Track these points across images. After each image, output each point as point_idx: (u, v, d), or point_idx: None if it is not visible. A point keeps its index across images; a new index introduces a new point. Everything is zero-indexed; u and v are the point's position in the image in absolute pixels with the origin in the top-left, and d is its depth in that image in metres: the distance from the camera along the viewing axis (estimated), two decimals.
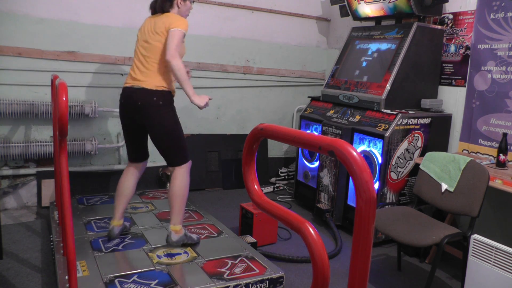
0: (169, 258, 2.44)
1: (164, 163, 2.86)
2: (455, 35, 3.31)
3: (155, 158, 3.97)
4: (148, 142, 2.70)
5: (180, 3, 2.63)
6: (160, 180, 4.03)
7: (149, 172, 3.86)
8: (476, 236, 2.15)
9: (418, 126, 3.08)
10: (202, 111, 4.25)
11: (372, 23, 3.82)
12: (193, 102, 2.51)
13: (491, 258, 2.06)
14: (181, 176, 2.57)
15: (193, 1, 2.75)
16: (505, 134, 2.71)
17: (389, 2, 3.41)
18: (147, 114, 2.47)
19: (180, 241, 2.58)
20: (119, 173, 3.80)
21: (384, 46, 3.42)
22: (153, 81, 2.47)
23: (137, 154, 2.71)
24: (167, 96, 2.51)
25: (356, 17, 3.87)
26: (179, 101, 4.07)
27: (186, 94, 2.48)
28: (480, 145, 3.10)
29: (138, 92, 2.47)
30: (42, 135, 3.52)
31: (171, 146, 2.54)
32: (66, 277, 2.03)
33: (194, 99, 2.51)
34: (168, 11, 2.60)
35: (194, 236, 2.69)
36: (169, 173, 3.92)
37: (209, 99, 2.61)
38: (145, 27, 2.61)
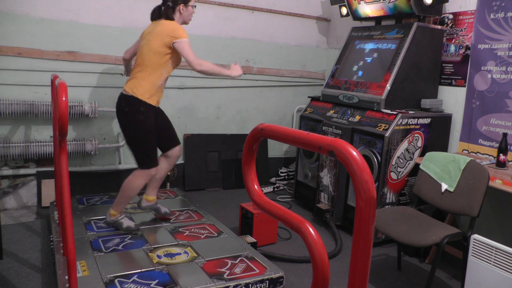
0: (169, 258, 2.44)
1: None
2: (455, 35, 3.31)
3: None
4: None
5: (182, 9, 2.73)
6: None
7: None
8: (476, 236, 2.15)
9: (418, 126, 3.08)
10: (202, 111, 4.26)
11: (372, 23, 3.82)
12: (233, 78, 2.86)
13: (491, 258, 2.06)
14: (140, 177, 2.75)
15: (195, 6, 2.82)
16: (505, 134, 2.71)
17: (389, 2, 3.41)
18: (119, 118, 2.73)
19: (110, 224, 2.84)
20: (119, 173, 3.82)
21: (384, 46, 3.42)
22: (129, 86, 2.67)
23: (160, 145, 2.93)
24: (137, 103, 2.63)
25: (356, 17, 3.87)
26: (179, 101, 4.11)
27: (226, 77, 2.82)
28: (480, 145, 3.10)
29: (120, 96, 2.71)
30: (42, 135, 3.52)
31: (135, 148, 2.74)
32: (66, 277, 2.03)
33: (233, 76, 2.81)
34: (172, 18, 2.71)
35: (125, 223, 2.82)
36: (169, 173, 3.92)
37: (235, 64, 2.88)
38: (145, 36, 2.75)
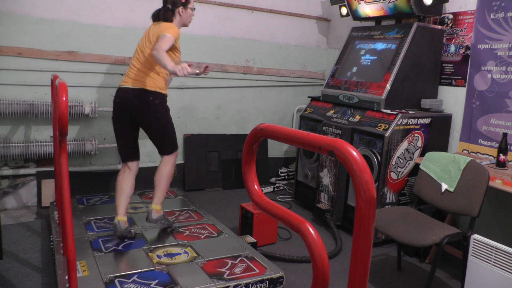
0: (169, 258, 2.44)
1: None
2: (455, 35, 3.31)
3: (155, 158, 3.98)
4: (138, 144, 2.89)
5: (182, 11, 2.76)
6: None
7: (149, 172, 3.85)
8: (476, 236, 2.15)
9: (418, 126, 3.08)
10: (202, 111, 4.26)
11: (372, 23, 3.82)
12: (173, 72, 2.50)
13: (491, 258, 2.06)
14: (171, 163, 2.84)
15: (194, 8, 2.87)
16: (505, 134, 2.71)
17: (389, 2, 3.41)
18: (143, 111, 2.69)
19: (158, 220, 2.85)
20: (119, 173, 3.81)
21: (384, 46, 3.42)
22: (148, 82, 2.68)
23: (129, 152, 2.84)
24: (161, 96, 2.73)
25: (356, 17, 3.87)
26: (179, 101, 4.11)
27: (170, 71, 2.50)
28: (480, 145, 3.10)
29: (133, 92, 2.68)
30: (42, 135, 3.52)
31: (164, 138, 2.82)
32: (66, 277, 2.03)
33: (175, 70, 2.46)
34: (171, 20, 2.76)
35: (170, 219, 2.96)
36: None
37: (189, 64, 2.57)
38: (144, 35, 2.78)
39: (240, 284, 2.20)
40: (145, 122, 2.74)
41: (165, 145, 2.83)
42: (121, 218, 2.71)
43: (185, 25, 2.86)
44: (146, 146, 3.98)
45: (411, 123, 3.04)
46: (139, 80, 2.68)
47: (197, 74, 2.99)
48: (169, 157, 2.84)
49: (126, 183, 2.78)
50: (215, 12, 4.15)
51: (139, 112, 2.69)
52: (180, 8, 2.75)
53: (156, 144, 2.85)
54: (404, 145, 3.04)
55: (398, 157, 3.04)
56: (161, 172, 2.83)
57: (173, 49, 2.68)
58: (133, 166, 2.82)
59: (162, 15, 2.76)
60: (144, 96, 2.67)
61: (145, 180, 3.88)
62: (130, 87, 2.68)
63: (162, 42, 2.54)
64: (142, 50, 2.72)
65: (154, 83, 2.69)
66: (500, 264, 2.03)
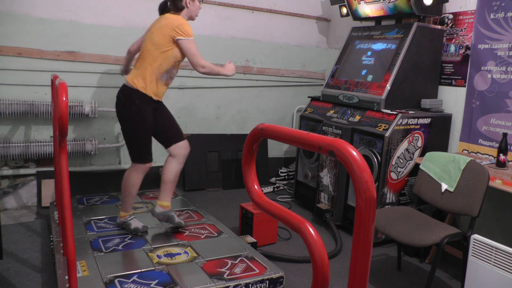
0: (169, 258, 2.44)
1: (163, 163, 2.88)
2: (455, 35, 3.31)
3: (155, 158, 3.97)
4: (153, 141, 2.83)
5: (189, 2, 2.65)
6: (160, 180, 4.02)
7: (149, 172, 3.85)
8: (476, 236, 2.15)
9: (418, 126, 3.08)
10: (202, 110, 4.26)
11: (372, 23, 3.82)
12: (225, 75, 2.80)
13: (491, 258, 2.06)
14: (133, 170, 2.74)
15: (202, 1, 2.76)
16: (505, 134, 2.71)
17: (389, 2, 3.41)
18: (117, 108, 2.69)
19: (161, 215, 2.81)
20: (119, 173, 3.81)
21: (384, 46, 3.42)
22: (130, 77, 2.63)
23: (163, 141, 2.88)
24: (138, 96, 2.59)
25: (356, 17, 3.87)
26: (179, 101, 4.11)
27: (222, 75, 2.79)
28: (480, 145, 3.10)
29: (121, 88, 2.68)
30: (42, 135, 3.52)
31: (128, 142, 2.72)
32: (66, 277, 2.03)
33: (227, 74, 2.80)
34: (182, 8, 2.65)
35: (177, 219, 2.84)
36: None
37: (229, 62, 2.85)
38: (150, 29, 2.70)
39: (240, 284, 2.20)
40: (119, 120, 2.71)
41: (130, 150, 2.74)
42: (160, 202, 2.84)
43: (191, 18, 2.74)
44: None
45: (411, 123, 3.04)
46: (129, 76, 2.66)
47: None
48: (135, 166, 2.73)
49: (167, 166, 2.86)
50: (215, 12, 4.15)
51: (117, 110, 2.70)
52: (188, 0, 2.63)
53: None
54: (404, 145, 3.04)
55: (398, 157, 3.04)
56: (124, 177, 2.77)
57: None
58: (173, 151, 2.85)
59: (171, 4, 2.64)
60: (119, 91, 2.66)
61: (145, 180, 3.87)
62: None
63: (193, 53, 2.55)
64: (145, 44, 2.65)
65: (134, 77, 2.61)
66: (500, 264, 2.03)
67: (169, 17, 2.61)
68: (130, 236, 2.72)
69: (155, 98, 2.66)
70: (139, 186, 2.78)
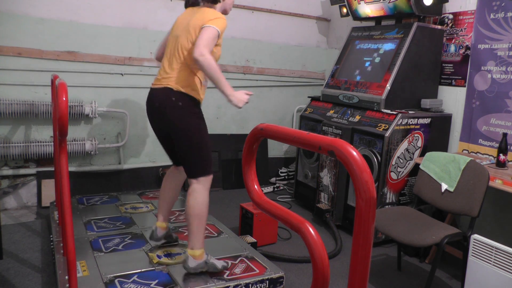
0: (169, 258, 2.44)
1: (163, 163, 2.87)
2: (455, 35, 3.31)
3: (155, 158, 3.98)
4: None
5: None
6: (160, 180, 4.03)
7: (149, 172, 3.87)
8: (476, 236, 2.15)
9: (418, 126, 3.08)
10: (202, 111, 4.25)
11: (372, 23, 3.82)
12: (231, 102, 2.21)
13: (491, 258, 2.06)
14: (199, 193, 2.20)
15: None
16: (505, 134, 2.71)
17: (389, 2, 3.41)
18: (164, 116, 2.19)
19: (198, 269, 2.21)
20: (119, 173, 3.83)
21: (384, 46, 3.42)
22: (174, 82, 2.18)
23: (173, 156, 2.46)
24: (187, 99, 2.19)
25: (356, 17, 3.87)
26: None
27: (223, 94, 2.19)
28: (480, 145, 3.10)
29: (157, 92, 2.22)
30: (42, 135, 3.52)
31: (188, 153, 2.20)
32: (66, 277, 2.03)
33: (232, 99, 2.20)
34: (218, 1, 2.29)
35: (219, 263, 2.29)
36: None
37: (248, 94, 2.29)
38: (178, 24, 2.29)
39: (240, 284, 2.20)
40: (166, 129, 2.23)
41: (189, 163, 2.21)
42: (159, 224, 2.48)
43: (225, 11, 2.40)
44: (145, 145, 3.98)
45: (411, 123, 3.04)
46: (165, 78, 2.20)
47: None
48: (197, 184, 2.19)
49: (167, 186, 2.47)
50: None
51: (160, 116, 2.21)
52: None
53: (181, 160, 2.29)
54: (404, 145, 3.04)
55: (398, 157, 3.04)
56: (188, 205, 2.19)
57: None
58: (179, 170, 2.42)
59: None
60: (165, 96, 2.16)
61: (145, 180, 3.89)
62: (156, 87, 2.23)
63: (205, 39, 2.04)
64: (175, 39, 2.23)
65: (180, 82, 2.18)
66: (500, 264, 2.03)
67: (205, 10, 2.21)
68: (130, 236, 2.72)
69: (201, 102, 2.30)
70: (208, 207, 2.26)
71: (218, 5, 2.31)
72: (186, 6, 2.37)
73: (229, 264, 2.38)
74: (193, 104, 2.23)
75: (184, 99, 2.18)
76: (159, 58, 2.48)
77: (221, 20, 2.16)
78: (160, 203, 2.51)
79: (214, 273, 2.25)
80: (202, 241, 2.23)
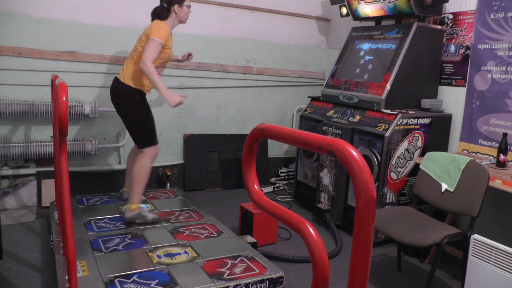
0: (169, 258, 2.44)
1: (163, 163, 2.90)
2: (455, 35, 3.31)
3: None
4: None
5: (177, 9, 2.84)
6: (160, 180, 4.03)
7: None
8: (476, 236, 2.15)
9: (418, 126, 3.08)
10: (202, 111, 4.26)
11: (372, 23, 3.82)
12: (166, 101, 2.78)
13: (491, 258, 2.06)
14: (142, 160, 2.89)
15: (189, 6, 2.92)
16: (505, 134, 2.71)
17: (389, 2, 3.41)
18: (115, 101, 2.92)
19: (132, 218, 2.88)
20: (119, 173, 3.82)
21: (384, 46, 3.42)
22: (122, 73, 2.87)
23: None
24: (129, 89, 2.84)
25: (356, 17, 3.87)
26: None
27: (160, 94, 2.76)
28: (480, 145, 3.10)
29: (114, 81, 2.91)
30: (42, 135, 3.52)
31: (131, 130, 2.94)
32: (66, 277, 2.03)
33: (167, 98, 2.75)
34: (165, 18, 2.85)
35: (150, 216, 2.93)
36: (169, 173, 3.92)
37: (182, 97, 2.84)
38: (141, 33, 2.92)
39: (240, 284, 2.20)
40: (118, 111, 2.93)
41: (135, 137, 2.92)
42: (126, 189, 3.16)
43: (182, 22, 2.94)
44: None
45: (411, 123, 3.04)
46: (121, 72, 2.88)
47: (178, 61, 3.31)
48: (141, 153, 2.88)
49: (130, 159, 3.14)
50: (215, 12, 4.15)
51: (112, 101, 2.92)
52: (176, 6, 2.81)
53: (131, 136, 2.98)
54: (404, 145, 3.04)
55: (398, 157, 3.04)
56: (133, 170, 2.90)
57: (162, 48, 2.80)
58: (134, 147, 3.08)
59: (157, 13, 2.84)
60: (116, 86, 2.87)
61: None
62: (115, 78, 2.92)
63: (149, 51, 2.68)
64: (134, 46, 2.88)
65: (130, 77, 2.82)
66: (500, 264, 2.03)
67: (153, 23, 2.83)
68: (130, 236, 2.72)
69: (147, 92, 2.96)
70: (149, 173, 2.94)
71: (172, 18, 2.86)
72: (152, 19, 2.94)
73: (160, 219, 2.98)
74: (135, 92, 2.86)
75: (127, 89, 2.83)
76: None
77: (162, 30, 2.75)
78: (127, 174, 3.20)
79: (147, 224, 2.89)
80: (139, 198, 2.91)
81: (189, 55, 3.32)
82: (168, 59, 2.98)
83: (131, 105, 2.86)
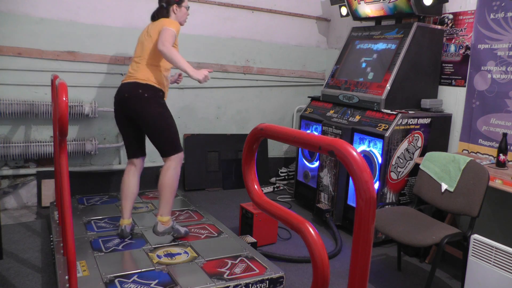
0: (169, 258, 2.44)
1: (163, 162, 2.88)
2: (455, 35, 3.31)
3: (155, 158, 3.98)
4: (146, 140, 2.80)
5: (176, 9, 2.80)
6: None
7: (149, 172, 3.86)
8: (476, 236, 2.15)
9: (418, 126, 3.08)
10: (202, 110, 4.26)
11: (372, 23, 3.82)
12: (192, 77, 2.56)
13: (491, 258, 2.06)
14: (171, 168, 2.64)
15: (188, 7, 2.89)
16: (505, 134, 2.71)
17: (389, 2, 3.41)
18: (132, 105, 2.59)
19: (165, 233, 2.67)
20: (119, 173, 3.81)
21: (384, 46, 3.42)
22: (141, 75, 2.62)
23: (133, 149, 2.78)
24: (153, 89, 2.61)
25: (356, 17, 3.87)
26: (179, 101, 4.11)
27: (185, 72, 2.55)
28: (480, 145, 3.10)
29: (127, 86, 2.64)
30: (42, 135, 3.52)
31: (158, 137, 2.63)
32: (66, 277, 2.03)
33: (192, 74, 2.55)
34: (166, 18, 2.76)
35: (182, 229, 2.76)
36: None
37: (209, 71, 2.67)
38: (143, 32, 2.80)
39: (240, 284, 2.20)
40: (136, 118, 2.61)
41: (160, 145, 2.64)
42: (127, 221, 2.72)
43: (180, 24, 2.84)
44: (146, 145, 3.98)
45: (411, 123, 3.04)
46: (133, 74, 2.64)
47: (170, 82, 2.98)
48: (169, 161, 2.63)
49: (131, 183, 2.74)
50: (215, 12, 4.15)
51: (129, 107, 2.59)
52: (174, 6, 2.78)
53: (154, 144, 2.67)
54: (404, 145, 3.04)
55: (398, 157, 3.04)
56: (160, 180, 2.65)
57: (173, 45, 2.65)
58: (138, 162, 2.77)
59: (156, 14, 2.81)
60: (133, 88, 2.58)
61: (145, 180, 3.87)
62: (125, 82, 2.66)
63: (165, 36, 2.51)
64: (141, 43, 2.72)
65: (146, 76, 2.61)
66: (500, 264, 2.03)
67: (162, 19, 2.74)
68: (130, 236, 2.72)
69: (165, 93, 2.74)
70: (178, 183, 2.71)
71: (172, 17, 2.79)
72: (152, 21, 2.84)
73: (189, 231, 2.80)
74: (159, 95, 2.65)
75: (152, 90, 2.60)
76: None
77: (174, 24, 2.64)
78: (124, 202, 2.74)
79: (179, 237, 2.72)
80: (170, 209, 2.67)
81: (179, 75, 3.14)
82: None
83: (157, 109, 2.60)
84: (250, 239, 2.82)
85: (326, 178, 3.45)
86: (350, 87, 3.48)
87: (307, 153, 3.83)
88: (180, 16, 2.83)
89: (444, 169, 2.58)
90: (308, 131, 3.18)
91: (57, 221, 2.81)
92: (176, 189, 2.69)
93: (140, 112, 2.58)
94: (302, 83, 4.76)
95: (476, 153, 3.13)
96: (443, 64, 3.40)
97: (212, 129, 4.35)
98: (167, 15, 2.79)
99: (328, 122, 3.48)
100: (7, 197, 3.48)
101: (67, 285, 2.00)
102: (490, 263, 2.07)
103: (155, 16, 2.84)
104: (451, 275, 2.76)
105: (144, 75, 2.61)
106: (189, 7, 2.90)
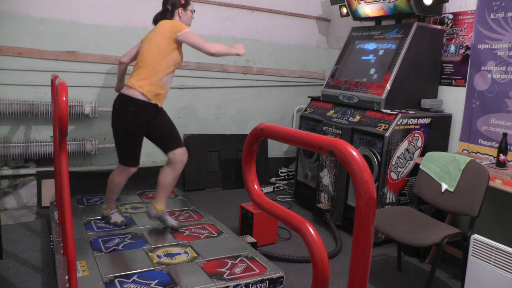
0: (169, 258, 2.44)
1: (163, 163, 2.88)
2: (455, 35, 3.31)
3: (155, 158, 3.98)
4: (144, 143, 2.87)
5: (181, 12, 2.76)
6: None
7: (149, 172, 3.86)
8: (476, 236, 2.15)
9: (418, 126, 3.08)
10: (202, 110, 4.26)
11: (372, 23, 3.82)
12: (239, 55, 2.80)
13: (491, 258, 2.06)
14: (118, 172, 2.81)
15: (194, 11, 2.85)
16: (505, 134, 2.71)
17: (389, 2, 3.41)
18: (157, 113, 2.78)
19: (155, 217, 2.84)
20: None
21: (384, 46, 3.42)
22: (134, 84, 2.65)
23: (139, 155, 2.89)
24: (136, 103, 2.63)
25: (356, 17, 3.87)
26: (179, 101, 4.11)
27: (230, 55, 2.79)
28: (480, 145, 3.10)
29: (118, 97, 2.75)
30: (42, 135, 3.52)
31: (119, 146, 2.82)
32: (66, 277, 2.03)
33: (238, 52, 2.76)
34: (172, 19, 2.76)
35: (172, 221, 2.88)
36: None
37: (241, 45, 2.83)
38: (145, 38, 2.79)
39: (240, 284, 2.20)
40: (158, 122, 2.81)
41: (119, 153, 2.81)
42: (155, 204, 2.86)
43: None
44: (145, 145, 3.98)
45: (411, 123, 3.04)
46: (130, 83, 2.68)
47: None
48: (120, 168, 2.80)
49: (164, 171, 2.86)
50: (215, 12, 4.15)
51: (152, 115, 2.74)
52: (180, 10, 2.75)
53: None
54: (404, 145, 3.04)
55: (398, 157, 3.04)
56: (110, 176, 2.86)
57: (180, 45, 2.70)
58: (171, 156, 2.83)
59: (161, 16, 2.77)
60: (119, 101, 2.71)
61: (145, 180, 3.88)
62: (124, 93, 2.72)
63: (196, 41, 2.60)
64: (144, 48, 2.70)
65: (137, 84, 2.63)
66: (500, 264, 2.03)
67: (164, 22, 2.71)
68: (130, 236, 2.72)
69: (154, 102, 2.69)
70: (122, 186, 2.86)
71: (176, 20, 2.77)
72: (154, 25, 2.83)
73: (181, 225, 2.91)
74: (144, 105, 2.66)
75: (134, 105, 2.64)
76: (125, 62, 2.98)
77: (182, 24, 2.67)
78: (114, 196, 2.92)
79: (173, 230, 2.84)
80: (165, 201, 2.85)
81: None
82: (180, 63, 2.78)
83: (128, 118, 2.70)
84: (250, 239, 2.82)
85: (326, 178, 3.45)
86: (350, 87, 3.48)
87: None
88: (185, 20, 2.78)
89: (444, 169, 2.58)
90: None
91: (57, 221, 2.81)
92: (119, 191, 2.87)
93: (115, 121, 2.78)
94: (302, 83, 4.76)
95: (476, 153, 3.13)
96: (443, 64, 3.40)
97: (212, 129, 4.35)
98: (171, 18, 2.75)
99: (328, 122, 3.47)
100: (7, 197, 3.48)
101: (67, 285, 2.00)
102: (490, 263, 2.07)
103: (158, 19, 2.79)
104: (451, 275, 2.76)
105: (134, 84, 2.64)
106: (194, 10, 2.85)
